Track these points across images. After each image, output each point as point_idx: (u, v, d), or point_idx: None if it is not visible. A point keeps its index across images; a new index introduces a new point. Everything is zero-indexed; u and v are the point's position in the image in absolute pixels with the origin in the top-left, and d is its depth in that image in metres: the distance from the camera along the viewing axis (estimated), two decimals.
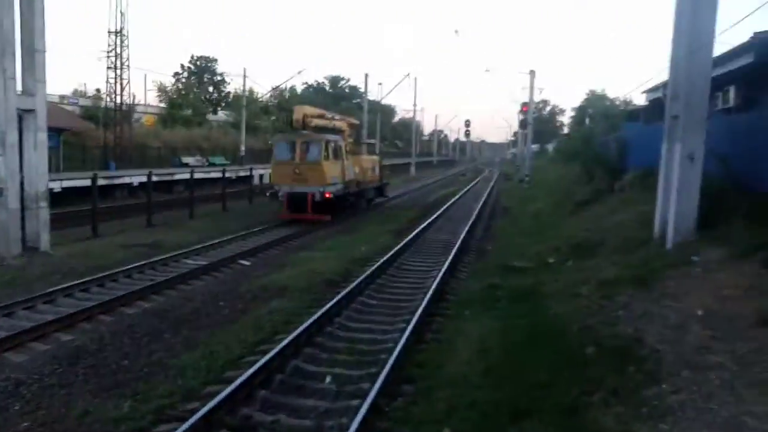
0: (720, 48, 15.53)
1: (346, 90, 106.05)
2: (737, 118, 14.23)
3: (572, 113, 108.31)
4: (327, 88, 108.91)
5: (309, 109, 22.18)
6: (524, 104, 45.59)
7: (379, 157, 29.93)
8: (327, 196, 20.91)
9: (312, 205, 20.84)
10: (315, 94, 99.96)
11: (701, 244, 9.27)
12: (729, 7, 11.37)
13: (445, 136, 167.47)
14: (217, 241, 16.71)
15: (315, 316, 9.12)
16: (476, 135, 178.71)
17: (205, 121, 60.54)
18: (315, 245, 16.88)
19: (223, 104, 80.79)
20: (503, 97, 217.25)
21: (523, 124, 50.87)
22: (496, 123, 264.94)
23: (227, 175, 30.05)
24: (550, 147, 79.68)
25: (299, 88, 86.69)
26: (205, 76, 79.95)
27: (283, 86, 77.87)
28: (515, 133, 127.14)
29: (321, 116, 23.11)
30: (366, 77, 49.82)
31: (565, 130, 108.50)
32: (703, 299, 7.22)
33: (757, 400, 4.95)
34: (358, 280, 11.59)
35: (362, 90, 60.69)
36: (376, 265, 12.92)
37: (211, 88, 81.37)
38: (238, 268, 13.88)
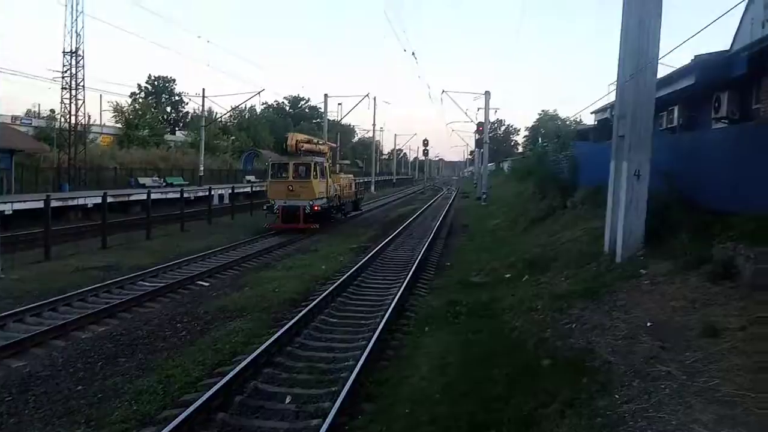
0: (664, 70, 16.24)
1: (306, 110, 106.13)
2: (681, 136, 14.79)
3: (526, 133, 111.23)
4: (287, 107, 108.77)
5: (300, 136, 26.78)
6: (480, 124, 46.46)
7: (352, 176, 34.40)
8: (316, 208, 25.01)
9: (303, 216, 24.84)
10: (275, 114, 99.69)
11: (649, 258, 9.51)
12: (673, 30, 11.88)
13: (405, 155, 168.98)
14: (174, 262, 16.42)
15: (275, 336, 8.99)
16: (435, 153, 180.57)
17: (162, 142, 59.47)
18: (277, 265, 16.78)
19: (182, 124, 79.74)
20: (460, 116, 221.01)
21: (479, 143, 51.60)
22: (453, 141, 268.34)
23: (185, 195, 29.54)
24: (505, 165, 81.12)
25: (259, 108, 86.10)
26: (163, 96, 78.86)
27: (242, 106, 77.34)
28: (472, 152, 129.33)
29: (309, 141, 27.48)
30: (325, 98, 49.89)
31: (520, 149, 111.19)
32: (651, 311, 7.40)
33: (705, 408, 5.08)
34: (319, 298, 11.50)
35: (322, 110, 60.74)
36: (336, 283, 12.86)
37: (169, 108, 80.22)
38: (197, 289, 13.63)
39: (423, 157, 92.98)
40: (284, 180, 25.27)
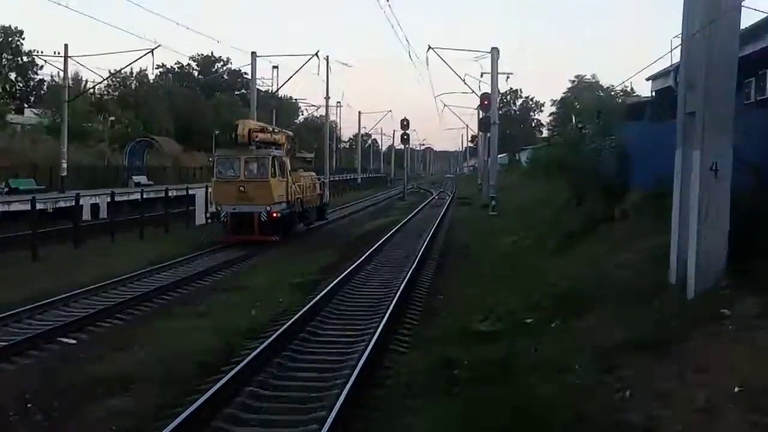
0: (750, 17, 16.55)
1: (225, 77, 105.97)
2: None
3: (553, 108, 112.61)
4: (195, 73, 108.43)
5: (252, 123, 29.76)
6: (485, 96, 46.83)
7: (314, 174, 37.77)
8: (274, 215, 28.00)
9: (258, 225, 27.71)
10: (178, 83, 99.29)
11: (735, 292, 9.63)
12: None
13: (375, 142, 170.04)
14: (22, 308, 16.15)
15: (177, 422, 8.85)
16: (419, 140, 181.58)
17: (5, 124, 58.67)
18: (185, 308, 16.69)
19: (33, 98, 78.76)
20: (455, 86, 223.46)
21: (483, 124, 52.18)
22: (447, 122, 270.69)
23: (39, 207, 29.14)
24: (524, 156, 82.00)
25: (152, 74, 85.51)
26: (5, 56, 77.68)
27: (127, 71, 76.46)
28: (473, 138, 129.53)
29: (263, 130, 30.56)
30: (253, 58, 49.77)
31: (544, 133, 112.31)
32: (741, 370, 7.46)
33: None
34: (243, 363, 11.37)
35: (248, 76, 60.73)
36: (271, 338, 12.76)
37: (13, 75, 79.13)
38: (59, 349, 13.41)
39: (401, 146, 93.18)
40: (233, 180, 28.30)
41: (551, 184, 32.77)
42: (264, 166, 28.25)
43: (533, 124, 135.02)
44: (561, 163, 28.11)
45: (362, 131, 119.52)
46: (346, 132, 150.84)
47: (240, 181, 28.05)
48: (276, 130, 33.50)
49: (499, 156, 54.39)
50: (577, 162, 24.69)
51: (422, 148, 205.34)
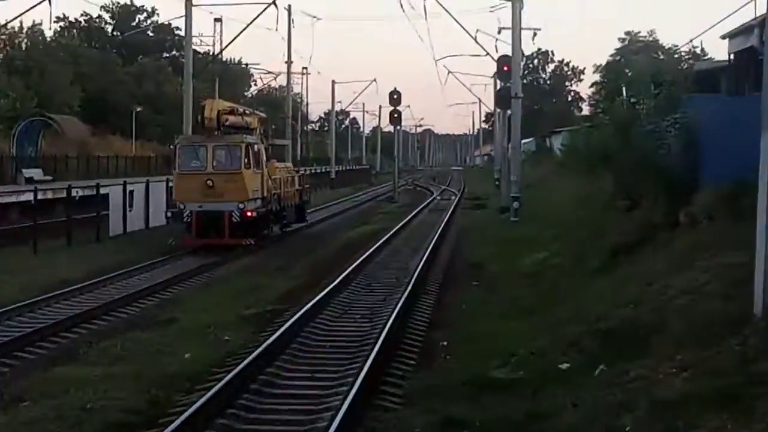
0: None
1: (149, 33, 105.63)
2: None
3: (596, 77, 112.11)
4: (108, 28, 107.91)
5: (222, 104, 33.19)
6: (503, 60, 46.74)
7: (291, 165, 43.54)
8: (248, 214, 30.69)
9: (229, 226, 30.32)
10: (84, 41, 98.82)
11: None
12: None
13: (354, 122, 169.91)
14: None
15: None
16: (415, 120, 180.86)
17: None
18: (93, 350, 16.62)
19: None
20: (462, 46, 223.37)
21: (502, 98, 52.00)
22: (452, 96, 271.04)
23: None
24: (556, 143, 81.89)
25: (49, 30, 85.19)
26: None
27: (13, 26, 75.95)
28: (488, 118, 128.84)
29: (233, 112, 33.72)
30: (188, 7, 49.31)
31: (584, 110, 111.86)
32: None
33: None
34: (177, 423, 11.31)
35: (181, 32, 60.53)
36: (212, 392, 12.69)
37: None
38: None
39: (391, 127, 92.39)
40: (200, 172, 31.03)
41: (593, 179, 32.71)
42: (236, 155, 31.17)
43: (569, 98, 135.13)
44: (606, 151, 28.12)
45: (337, 107, 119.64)
46: (316, 109, 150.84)
47: (208, 173, 30.79)
48: (247, 112, 36.83)
49: (524, 141, 54.28)
50: (628, 150, 24.66)
51: (419, 130, 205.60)
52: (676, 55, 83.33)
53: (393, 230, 38.21)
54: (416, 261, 27.58)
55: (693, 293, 13.77)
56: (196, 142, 32.08)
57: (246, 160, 30.91)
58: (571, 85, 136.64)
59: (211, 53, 60.32)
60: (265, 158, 33.90)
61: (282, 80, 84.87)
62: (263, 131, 37.73)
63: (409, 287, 22.04)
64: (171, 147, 36.22)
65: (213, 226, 30.59)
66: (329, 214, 52.68)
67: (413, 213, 50.31)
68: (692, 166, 20.72)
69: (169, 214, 32.37)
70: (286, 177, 38.50)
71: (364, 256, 28.84)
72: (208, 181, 30.38)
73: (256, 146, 32.60)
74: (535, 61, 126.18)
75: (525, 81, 61.76)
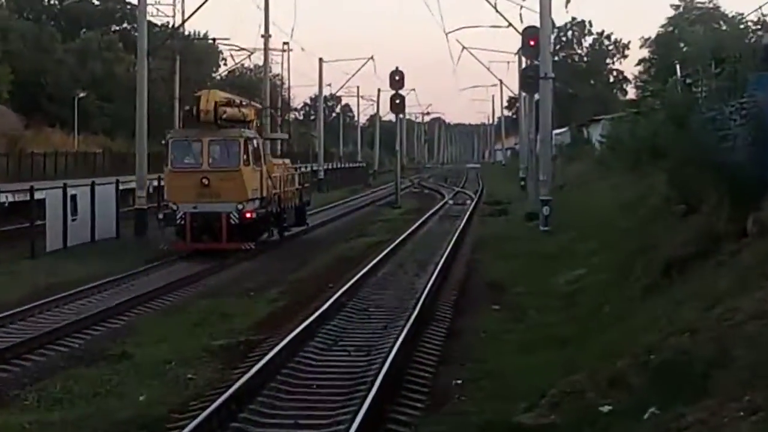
0: None
1: (95, 3, 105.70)
2: None
3: (645, 53, 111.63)
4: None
5: (219, 94, 35.95)
6: (529, 33, 46.76)
7: (289, 162, 47.33)
8: (248, 216, 33.43)
9: (227, 228, 32.96)
10: (14, 9, 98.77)
11: None
12: None
13: (347, 110, 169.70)
14: None
15: None
16: (422, 107, 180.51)
17: None
18: (29, 391, 16.53)
19: None
20: (481, 17, 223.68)
21: (528, 79, 51.88)
22: (466, 79, 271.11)
23: None
24: (595, 134, 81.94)
25: None
26: None
27: None
28: (512, 104, 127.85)
29: (229, 103, 36.25)
30: None
31: (630, 94, 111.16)
32: None
33: None
34: None
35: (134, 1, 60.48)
36: None
37: None
38: None
39: (392, 116, 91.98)
40: (194, 169, 34.20)
41: (641, 177, 32.72)
42: (234, 151, 34.10)
43: (611, 79, 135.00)
44: (657, 144, 28.08)
45: (326, 91, 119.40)
46: (300, 94, 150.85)
47: (203, 171, 33.83)
48: (244, 103, 39.51)
49: (556, 133, 54.28)
50: (683, 142, 24.63)
51: (427, 119, 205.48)
52: (741, 26, 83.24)
53: (395, 243, 38.02)
54: (424, 280, 27.56)
55: (764, 318, 13.76)
56: (190, 136, 34.80)
57: (245, 156, 33.72)
58: (613, 63, 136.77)
59: (170, 26, 60.23)
60: (263, 155, 36.90)
61: (258, 59, 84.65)
62: (260, 125, 41.34)
63: (416, 312, 21.89)
64: (163, 142, 37.91)
65: (208, 228, 33.34)
66: (317, 222, 52.33)
67: (420, 221, 50.32)
68: (763, 163, 20.71)
69: (160, 216, 34.86)
70: (285, 175, 41.31)
71: (370, 264, 28.87)
72: (204, 180, 33.29)
73: (255, 141, 35.40)
74: (569, 33, 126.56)
75: (556, 58, 61.46)
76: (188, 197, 33.32)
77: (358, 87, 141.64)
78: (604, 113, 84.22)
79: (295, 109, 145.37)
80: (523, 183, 67.71)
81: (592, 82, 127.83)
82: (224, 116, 34.46)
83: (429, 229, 46.58)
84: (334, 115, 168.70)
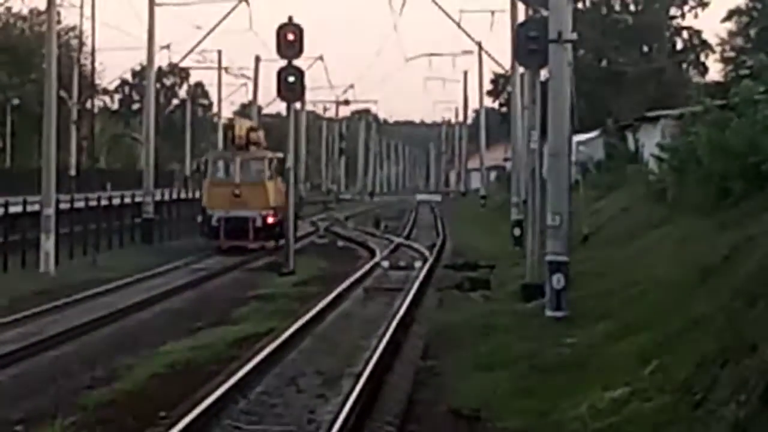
0: None
1: None
2: None
3: (728, 22, 78.82)
4: None
5: (248, 122, 51.00)
6: None
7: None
8: (270, 220, 45.19)
9: (254, 230, 45.21)
10: None
11: None
12: None
13: (203, 92, 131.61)
14: None
15: None
16: (332, 92, 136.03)
17: None
18: None
19: None
20: None
21: (528, 42, 26.85)
22: (419, 41, 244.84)
23: None
24: (648, 142, 49.77)
25: None
26: None
27: None
28: (498, 86, 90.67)
29: (253, 128, 51.68)
30: None
31: (712, 73, 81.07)
32: None
33: None
34: None
35: None
36: None
37: None
38: None
39: (279, 108, 71.09)
40: (229, 183, 46.76)
41: (733, 223, 21.68)
42: (260, 168, 47.37)
43: (678, 46, 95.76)
44: (762, 163, 22.09)
45: (163, 60, 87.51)
46: (114, 64, 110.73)
47: (235, 184, 46.78)
48: (256, 126, 55.41)
49: (579, 140, 43.12)
50: None
51: (345, 113, 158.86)
52: None
53: (282, 338, 24.30)
54: (330, 411, 16.55)
55: None
56: (227, 156, 49.85)
57: (269, 172, 44.61)
58: (683, 18, 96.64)
59: None
60: (278, 172, 48.89)
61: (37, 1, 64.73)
62: (266, 145, 54.46)
63: None
64: (201, 161, 55.24)
65: (239, 230, 46.36)
66: (140, 298, 34.53)
67: (330, 298, 33.30)
68: None
69: (198, 221, 48.16)
70: (282, 189, 48.74)
71: (211, 399, 16.10)
72: (235, 191, 46.51)
73: (275, 160, 47.97)
74: None
75: (580, 5, 46.19)
76: (222, 205, 46.43)
77: (219, 52, 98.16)
78: (666, 106, 58.38)
79: (106, 91, 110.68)
80: (517, 231, 48.15)
81: (645, 49, 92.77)
82: (252, 141, 48.82)
83: (345, 311, 32.29)
84: (176, 102, 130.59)
